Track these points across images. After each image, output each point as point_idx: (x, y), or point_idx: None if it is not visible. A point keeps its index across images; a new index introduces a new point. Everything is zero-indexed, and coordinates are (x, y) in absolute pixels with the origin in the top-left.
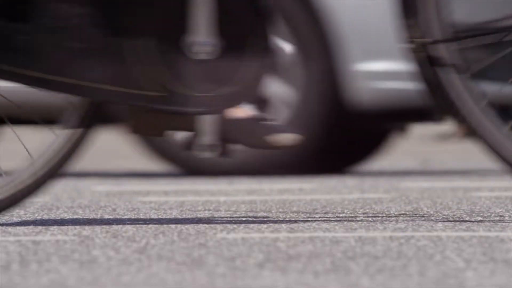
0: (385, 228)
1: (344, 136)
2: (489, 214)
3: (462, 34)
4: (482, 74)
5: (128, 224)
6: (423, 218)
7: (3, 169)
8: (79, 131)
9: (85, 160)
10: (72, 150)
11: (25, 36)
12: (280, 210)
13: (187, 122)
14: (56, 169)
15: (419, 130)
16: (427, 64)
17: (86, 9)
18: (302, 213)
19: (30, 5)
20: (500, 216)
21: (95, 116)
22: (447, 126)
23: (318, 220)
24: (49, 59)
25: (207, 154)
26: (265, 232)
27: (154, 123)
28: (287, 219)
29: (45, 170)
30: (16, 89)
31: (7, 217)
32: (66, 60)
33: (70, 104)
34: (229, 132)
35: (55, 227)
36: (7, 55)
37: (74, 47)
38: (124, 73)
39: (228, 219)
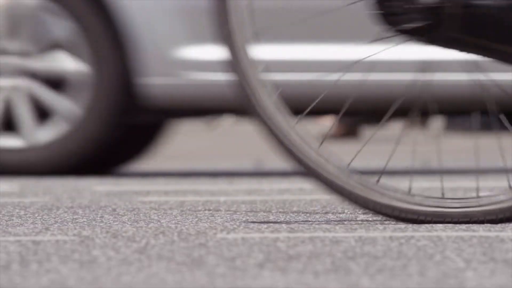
0: (385, 228)
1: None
2: None
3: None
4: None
5: (128, 224)
6: None
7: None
8: None
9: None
10: None
11: None
12: (280, 210)
13: None
14: None
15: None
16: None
17: None
18: (302, 213)
19: None
20: None
21: None
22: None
23: (318, 220)
24: None
25: None
26: (265, 232)
27: None
28: (287, 219)
29: None
30: None
31: (7, 217)
32: None
33: None
34: None
35: (55, 227)
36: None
37: None
38: None
39: (228, 219)
